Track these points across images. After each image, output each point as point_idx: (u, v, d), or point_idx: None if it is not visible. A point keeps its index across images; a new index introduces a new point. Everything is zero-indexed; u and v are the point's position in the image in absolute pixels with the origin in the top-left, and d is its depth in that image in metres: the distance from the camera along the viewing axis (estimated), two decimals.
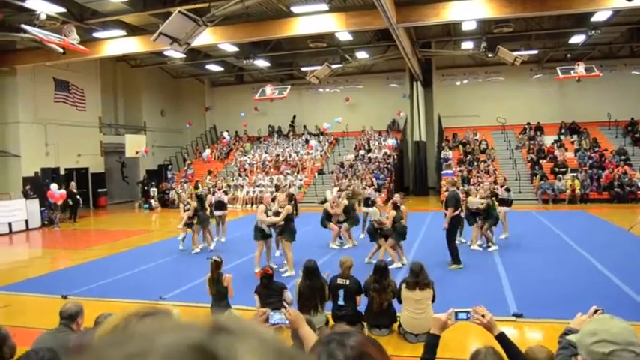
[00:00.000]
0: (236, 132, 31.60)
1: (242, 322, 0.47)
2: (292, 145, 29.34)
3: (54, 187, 19.37)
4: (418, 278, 6.73)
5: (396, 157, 26.12)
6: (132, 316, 1.02)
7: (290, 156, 27.66)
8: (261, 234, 10.43)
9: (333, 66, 24.55)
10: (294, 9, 17.29)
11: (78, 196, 21.04)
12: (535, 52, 25.56)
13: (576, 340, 1.99)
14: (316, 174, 25.58)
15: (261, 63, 26.35)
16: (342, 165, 25.70)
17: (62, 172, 23.54)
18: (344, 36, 20.81)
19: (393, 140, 27.10)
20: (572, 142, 25.40)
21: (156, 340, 0.42)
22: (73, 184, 21.58)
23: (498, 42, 21.45)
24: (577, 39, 22.79)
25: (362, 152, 26.82)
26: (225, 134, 30.71)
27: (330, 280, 7.12)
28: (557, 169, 22.84)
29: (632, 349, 1.76)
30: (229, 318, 0.47)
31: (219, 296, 7.10)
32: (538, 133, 26.47)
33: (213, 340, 0.42)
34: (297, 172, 25.71)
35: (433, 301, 6.80)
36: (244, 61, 25.69)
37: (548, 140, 25.95)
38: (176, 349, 0.41)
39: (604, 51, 26.24)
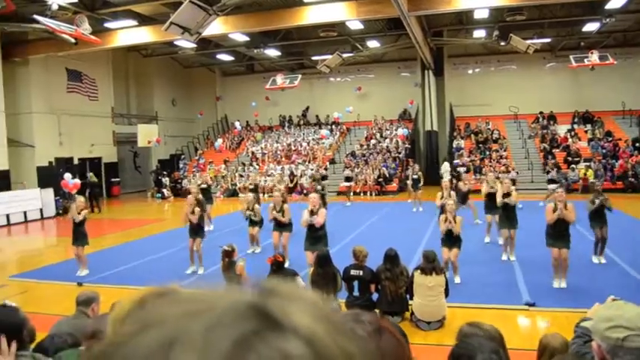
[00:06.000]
0: (247, 121, 31.61)
1: (290, 287, 0.49)
2: (304, 134, 29.33)
3: (68, 176, 19.52)
4: (434, 264, 6.77)
5: (407, 146, 26.03)
6: (146, 297, 1.03)
7: (301, 145, 27.66)
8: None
9: (344, 55, 24.44)
10: None
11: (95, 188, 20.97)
12: (548, 40, 25.20)
13: (590, 326, 1.99)
14: (327, 163, 25.57)
15: (272, 52, 26.30)
16: (353, 154, 25.66)
17: (76, 162, 23.75)
18: (355, 25, 20.68)
19: (405, 129, 26.99)
20: (586, 132, 25.12)
21: (213, 301, 0.45)
22: (90, 174, 21.68)
23: (511, 30, 21.18)
24: (591, 27, 22.40)
25: (373, 142, 26.74)
26: (237, 124, 30.74)
27: (344, 270, 7.12)
28: (570, 159, 22.64)
29: None
30: (277, 283, 0.49)
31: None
32: (551, 122, 26.20)
33: (266, 301, 0.44)
34: (309, 162, 25.71)
35: (447, 292, 6.82)
36: (255, 51, 25.64)
37: (561, 129, 25.68)
38: (234, 308, 0.43)
39: (619, 39, 25.82)
